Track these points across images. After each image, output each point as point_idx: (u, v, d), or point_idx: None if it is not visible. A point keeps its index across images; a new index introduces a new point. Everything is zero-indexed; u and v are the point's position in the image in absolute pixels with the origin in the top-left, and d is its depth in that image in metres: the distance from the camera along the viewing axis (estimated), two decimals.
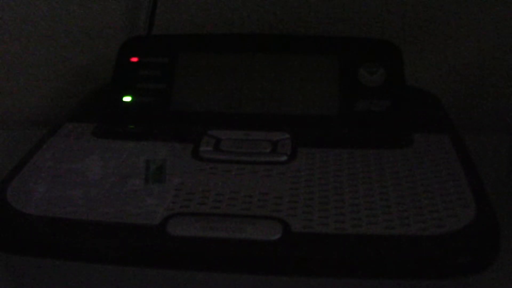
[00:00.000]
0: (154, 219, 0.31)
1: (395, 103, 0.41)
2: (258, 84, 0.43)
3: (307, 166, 0.36)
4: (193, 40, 0.45)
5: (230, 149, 0.38)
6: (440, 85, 0.54)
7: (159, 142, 0.39)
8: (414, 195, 0.33)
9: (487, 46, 0.54)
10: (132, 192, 0.34)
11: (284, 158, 0.37)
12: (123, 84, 0.43)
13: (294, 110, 0.42)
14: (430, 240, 0.30)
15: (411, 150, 0.38)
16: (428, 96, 0.47)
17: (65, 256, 0.31)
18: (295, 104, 0.42)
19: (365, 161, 0.36)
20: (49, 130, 0.41)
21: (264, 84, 0.43)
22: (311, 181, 0.34)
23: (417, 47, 0.54)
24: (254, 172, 0.35)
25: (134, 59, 0.44)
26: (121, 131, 0.41)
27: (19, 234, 0.32)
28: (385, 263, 0.30)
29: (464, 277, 0.30)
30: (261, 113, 0.42)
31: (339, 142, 0.39)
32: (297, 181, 0.34)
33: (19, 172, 0.36)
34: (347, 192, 0.33)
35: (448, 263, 0.29)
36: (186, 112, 0.42)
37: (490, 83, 0.55)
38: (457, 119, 0.43)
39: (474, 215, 0.31)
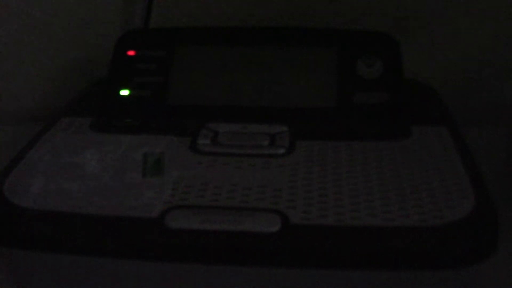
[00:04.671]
0: (153, 212, 0.31)
1: (393, 95, 0.41)
2: (256, 77, 0.42)
3: (305, 159, 0.36)
4: (190, 33, 0.45)
5: (228, 142, 0.38)
6: (438, 77, 0.54)
7: (156, 136, 0.39)
8: (413, 187, 0.33)
9: (485, 39, 0.54)
10: (130, 186, 0.34)
11: (282, 150, 0.37)
12: (120, 78, 0.43)
13: (292, 103, 0.41)
14: (429, 231, 0.30)
15: (410, 142, 0.38)
16: (426, 89, 0.47)
17: (63, 249, 0.31)
18: (293, 97, 0.42)
19: (364, 154, 0.36)
20: (46, 124, 0.41)
21: (262, 77, 0.42)
22: (310, 174, 0.34)
23: (415, 40, 0.54)
24: (252, 165, 0.35)
25: (131, 53, 0.44)
26: (119, 125, 0.41)
27: (17, 228, 0.32)
28: (384, 254, 0.30)
29: (463, 268, 0.30)
30: (259, 106, 0.41)
31: (338, 135, 0.39)
32: (295, 174, 0.34)
33: (16, 167, 0.36)
34: (345, 184, 0.33)
35: (447, 254, 0.29)
36: (183, 105, 0.42)
37: (488, 76, 0.55)
38: (455, 112, 0.43)
39: (473, 206, 0.31)
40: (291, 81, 0.42)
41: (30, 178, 0.35)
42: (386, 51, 0.42)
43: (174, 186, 0.33)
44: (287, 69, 0.43)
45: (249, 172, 0.35)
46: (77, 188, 0.33)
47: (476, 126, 0.45)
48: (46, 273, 0.33)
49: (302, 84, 0.42)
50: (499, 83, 0.55)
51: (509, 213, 0.35)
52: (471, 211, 0.31)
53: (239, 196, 0.32)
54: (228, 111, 0.41)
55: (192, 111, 0.42)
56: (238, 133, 0.39)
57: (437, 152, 0.36)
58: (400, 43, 0.43)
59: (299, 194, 0.32)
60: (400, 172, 0.34)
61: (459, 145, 0.37)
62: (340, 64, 0.42)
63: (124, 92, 0.43)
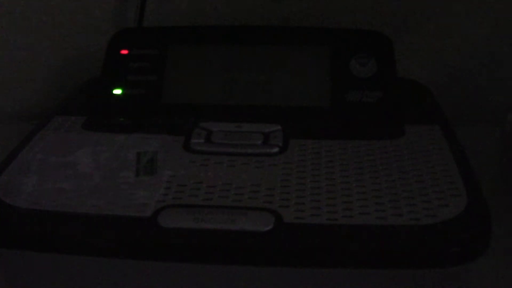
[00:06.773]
0: (146, 211, 0.31)
1: (386, 94, 0.41)
2: (249, 75, 0.42)
3: (299, 158, 0.36)
4: (183, 32, 0.45)
5: (222, 141, 0.38)
6: (431, 76, 0.54)
7: (150, 135, 0.39)
8: (406, 185, 0.33)
9: (478, 38, 0.54)
10: (123, 185, 0.34)
11: (275, 149, 0.37)
12: (113, 77, 0.43)
13: (285, 102, 0.41)
14: (422, 230, 0.30)
15: (403, 141, 0.38)
16: (419, 87, 0.47)
17: (56, 249, 0.31)
18: (286, 96, 0.42)
19: (357, 152, 0.36)
20: (38, 123, 0.41)
21: (256, 76, 0.42)
22: (303, 172, 0.34)
23: (408, 38, 0.54)
24: (245, 164, 0.35)
25: (124, 52, 0.44)
26: (112, 124, 0.40)
27: (9, 228, 0.32)
28: (377, 253, 0.30)
29: (456, 266, 0.30)
30: (253, 104, 0.41)
31: (331, 133, 0.39)
32: (289, 173, 0.34)
33: (9, 166, 0.36)
34: (339, 183, 0.33)
35: (440, 253, 0.29)
36: (177, 104, 0.42)
37: (481, 75, 0.55)
38: (448, 110, 0.43)
39: (465, 205, 0.31)
40: (285, 80, 0.42)
41: (22, 177, 0.34)
42: (379, 50, 0.42)
43: (167, 185, 0.33)
44: (281, 68, 0.43)
45: (242, 171, 0.35)
46: (70, 188, 0.33)
47: (468, 125, 0.45)
48: (38, 273, 0.33)
49: (295, 83, 0.42)
50: (491, 82, 0.55)
51: (502, 211, 0.35)
52: (464, 210, 0.31)
53: (232, 195, 0.32)
54: (222, 110, 0.41)
55: (186, 110, 0.42)
56: (232, 132, 0.39)
57: (430, 151, 0.36)
58: (394, 41, 0.43)
59: (293, 193, 0.32)
60: (393, 171, 0.34)
61: (452, 143, 0.37)
62: (333, 63, 0.42)
63: (117, 91, 0.43)
